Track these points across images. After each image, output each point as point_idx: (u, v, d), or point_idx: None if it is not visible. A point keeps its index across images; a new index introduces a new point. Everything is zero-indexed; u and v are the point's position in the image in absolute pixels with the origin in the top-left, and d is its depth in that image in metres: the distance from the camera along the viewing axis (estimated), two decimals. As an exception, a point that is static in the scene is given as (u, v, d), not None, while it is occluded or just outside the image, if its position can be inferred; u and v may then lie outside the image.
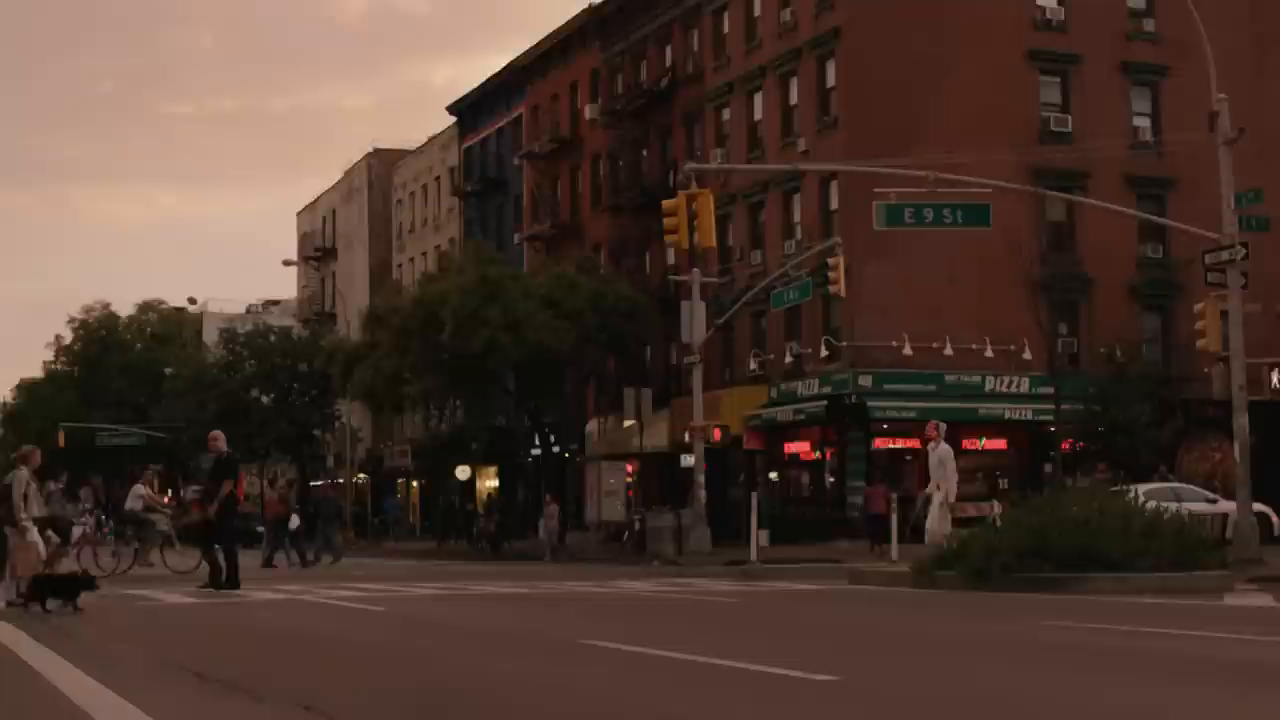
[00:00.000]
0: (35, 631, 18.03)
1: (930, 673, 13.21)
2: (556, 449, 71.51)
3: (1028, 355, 55.89)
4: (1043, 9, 60.19)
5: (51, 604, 22.17)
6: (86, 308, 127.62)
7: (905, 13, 57.63)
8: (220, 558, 28.42)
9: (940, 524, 29.88)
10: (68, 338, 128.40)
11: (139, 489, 40.97)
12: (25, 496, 24.92)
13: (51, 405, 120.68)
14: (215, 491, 29.03)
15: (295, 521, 51.64)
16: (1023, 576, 24.14)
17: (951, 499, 30.35)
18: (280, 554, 47.74)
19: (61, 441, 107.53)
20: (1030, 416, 57.44)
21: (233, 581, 27.94)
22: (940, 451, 30.36)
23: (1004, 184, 44.20)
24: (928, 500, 31.05)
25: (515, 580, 30.33)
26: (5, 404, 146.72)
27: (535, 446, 72.98)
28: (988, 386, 57.51)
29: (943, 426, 31.37)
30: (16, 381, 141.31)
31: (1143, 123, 61.19)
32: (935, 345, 55.68)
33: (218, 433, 30.93)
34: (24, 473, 25.27)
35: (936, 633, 17.44)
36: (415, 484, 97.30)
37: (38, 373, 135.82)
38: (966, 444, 58.46)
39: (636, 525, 53.36)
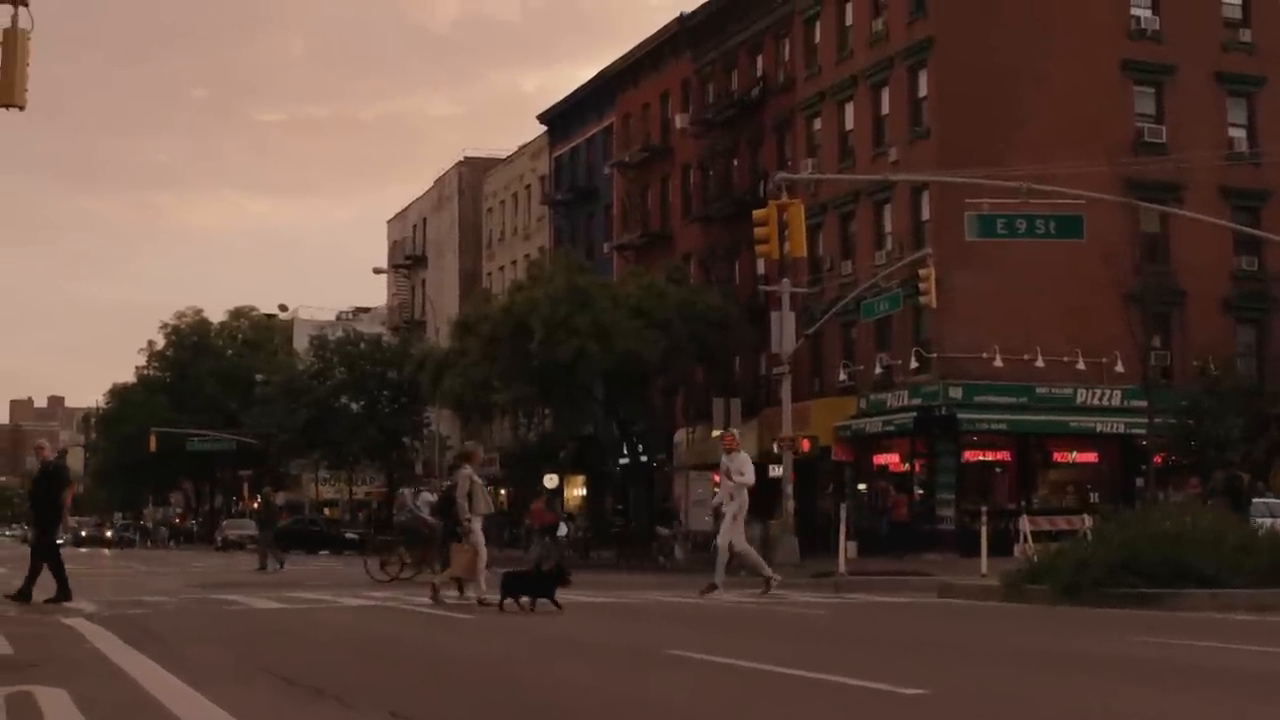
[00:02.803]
0: (126, 635, 18.14)
1: (1020, 688, 13.08)
2: (644, 458, 71.50)
3: (1120, 368, 55.44)
4: (1137, 19, 59.75)
5: (523, 601, 22.58)
6: (179, 313, 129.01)
7: (998, 22, 57.37)
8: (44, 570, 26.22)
9: (726, 537, 29.39)
10: (160, 343, 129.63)
11: (413, 498, 40.52)
12: (470, 495, 25.21)
13: (143, 410, 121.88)
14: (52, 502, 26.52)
15: (564, 529, 51.82)
16: (1114, 591, 23.88)
17: (743, 512, 29.54)
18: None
19: (153, 446, 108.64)
20: (1122, 430, 57.03)
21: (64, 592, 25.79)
22: (739, 460, 29.58)
23: (1097, 195, 43.91)
24: (719, 511, 30.69)
25: (600, 590, 30.29)
26: (99, 408, 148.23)
27: (623, 456, 72.97)
28: (1079, 399, 57.10)
29: (737, 433, 30.92)
30: (109, 386, 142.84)
31: (1238, 134, 60.66)
32: (1026, 357, 55.33)
33: (43, 441, 29.89)
34: (467, 471, 25.61)
35: (1026, 647, 17.27)
36: (503, 492, 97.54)
37: (130, 377, 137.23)
38: (1058, 457, 58.35)
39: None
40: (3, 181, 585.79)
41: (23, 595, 25.54)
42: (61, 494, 26.46)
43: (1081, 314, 55.11)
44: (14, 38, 28.02)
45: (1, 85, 28.13)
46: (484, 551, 25.55)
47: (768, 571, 29.97)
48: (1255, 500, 41.71)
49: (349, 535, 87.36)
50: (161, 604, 26.06)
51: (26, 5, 28.12)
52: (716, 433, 57.88)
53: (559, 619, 21.69)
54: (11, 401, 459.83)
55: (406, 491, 43.21)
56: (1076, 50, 57.61)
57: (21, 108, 28.27)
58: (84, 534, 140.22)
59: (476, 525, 25.47)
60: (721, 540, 29.67)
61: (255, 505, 58.51)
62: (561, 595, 22.93)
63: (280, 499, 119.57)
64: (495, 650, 17.11)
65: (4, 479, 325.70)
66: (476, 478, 25.88)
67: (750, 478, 29.38)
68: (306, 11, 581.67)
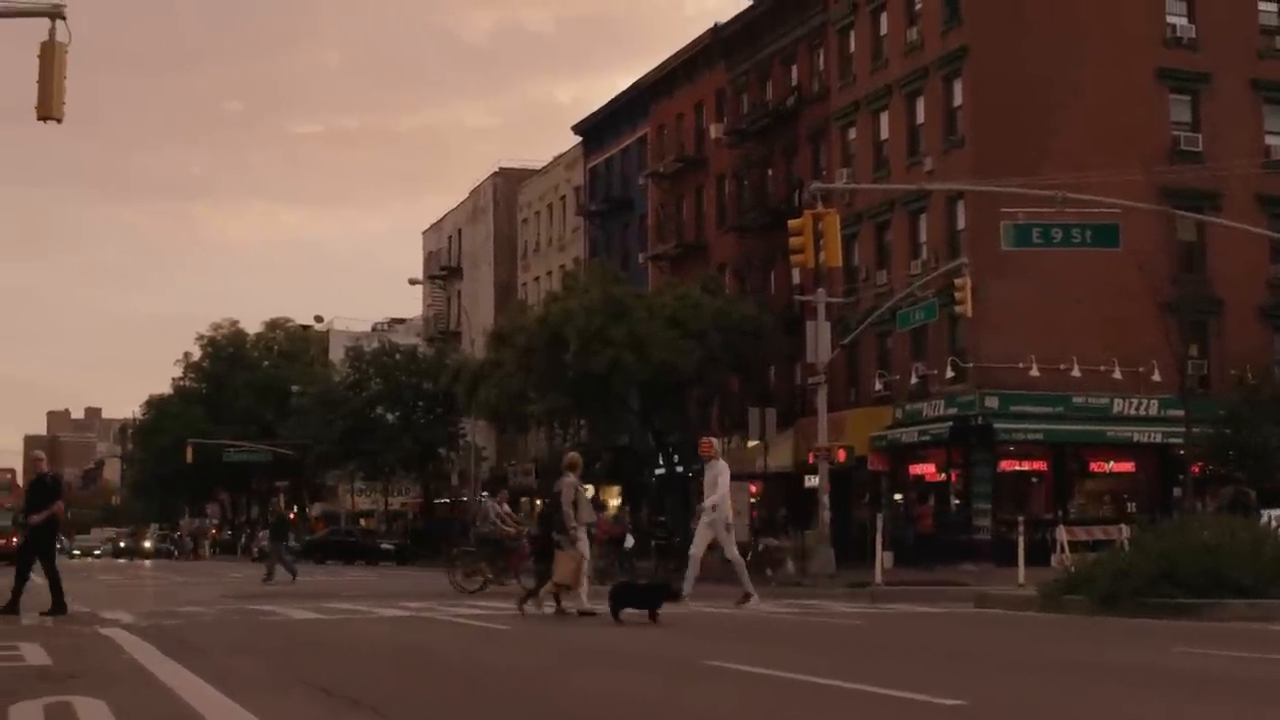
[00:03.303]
0: (163, 646, 18.19)
1: (1058, 699, 13.03)
2: (680, 469, 71.46)
3: (1157, 377, 55.23)
4: (1173, 26, 59.54)
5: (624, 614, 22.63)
6: (215, 325, 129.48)
7: (1033, 31, 57.26)
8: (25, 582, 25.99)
9: (730, 548, 29.28)
10: (196, 354, 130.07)
11: (494, 508, 40.23)
12: (575, 503, 25.21)
13: (180, 421, 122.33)
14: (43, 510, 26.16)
15: (630, 541, 51.82)
16: (1152, 601, 23.80)
17: (729, 518, 29.33)
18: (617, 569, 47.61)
19: (189, 457, 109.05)
20: (1159, 439, 56.85)
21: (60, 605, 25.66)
22: (717, 468, 29.25)
23: (1133, 204, 43.82)
24: (698, 517, 30.52)
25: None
26: (135, 420, 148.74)
27: (659, 466, 72.94)
28: (1116, 408, 56.91)
29: (716, 443, 30.58)
30: (146, 398, 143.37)
31: (1275, 141, 60.38)
32: (1063, 366, 55.17)
33: (40, 453, 29.64)
34: (572, 479, 25.58)
35: (1064, 658, 17.21)
36: (539, 502, 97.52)
37: (167, 389, 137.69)
38: (1094, 466, 58.16)
39: (760, 546, 53.20)
40: (40, 193, 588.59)
41: (56, 608, 25.47)
42: (54, 506, 26.11)
43: (1118, 323, 54.94)
44: (51, 51, 28.18)
45: (40, 98, 28.30)
46: (588, 561, 25.58)
47: (752, 588, 29.61)
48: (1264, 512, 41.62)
49: (385, 546, 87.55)
50: (198, 615, 26.14)
51: (64, 19, 28.29)
52: (752, 443, 57.98)
53: (600, 630, 21.68)
54: (49, 413, 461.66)
55: (489, 502, 42.89)
56: (1112, 58, 57.48)
57: (59, 120, 28.43)
58: (121, 545, 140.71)
59: (582, 534, 25.50)
60: (694, 549, 29.51)
61: (269, 516, 58.51)
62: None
63: (315, 510, 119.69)
64: (532, 661, 17.12)
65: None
66: (580, 486, 25.88)
67: (723, 490, 28.95)
68: (342, 24, 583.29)
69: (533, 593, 27.15)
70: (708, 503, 29.06)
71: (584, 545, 25.47)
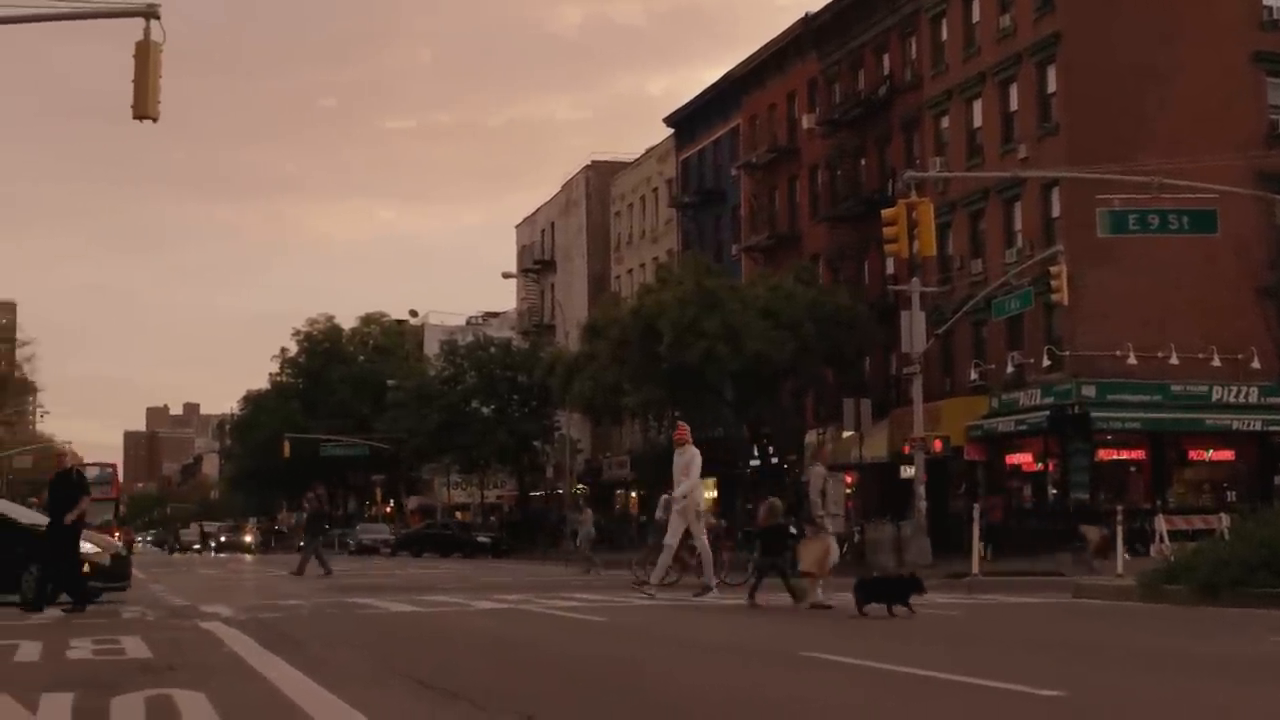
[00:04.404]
0: (262, 639, 18.32)
1: (1158, 690, 12.93)
2: (775, 460, 71.37)
3: (1256, 364, 54.61)
4: (1269, 9, 58.86)
5: (869, 608, 22.26)
6: (311, 320, 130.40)
7: (1126, 16, 56.74)
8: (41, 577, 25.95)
9: (676, 535, 29.02)
10: (293, 350, 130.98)
11: (666, 498, 39.78)
12: (823, 493, 25.15)
13: (277, 416, 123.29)
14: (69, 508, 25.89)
15: (793, 532, 51.68)
16: (1253, 591, 23.54)
17: (701, 507, 29.18)
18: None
19: (286, 452, 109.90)
20: (1259, 427, 56.30)
21: (39, 603, 25.50)
22: (688, 456, 29.16)
23: (1230, 189, 43.39)
24: (668, 506, 30.11)
25: (734, 591, 30.22)
26: (233, 415, 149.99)
27: (754, 457, 72.87)
28: (1215, 396, 56.32)
29: (687, 429, 30.34)
30: (243, 393, 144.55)
31: (1375, 124, 59.60)
32: (1160, 354, 54.64)
33: (65, 448, 29.22)
34: (820, 469, 25.65)
35: (1164, 648, 17.07)
36: (634, 494, 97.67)
37: (264, 384, 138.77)
38: (1193, 455, 57.61)
39: (856, 537, 53.03)
40: (138, 192, 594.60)
41: (78, 603, 25.46)
42: (78, 502, 25.95)
43: (1216, 310, 54.41)
44: (146, 51, 28.44)
45: (135, 98, 28.57)
46: (835, 550, 25.41)
47: (713, 580, 29.48)
48: None
49: (480, 539, 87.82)
50: (296, 608, 26.30)
51: (158, 19, 28.54)
52: (848, 433, 57.81)
53: (698, 621, 21.68)
54: (148, 409, 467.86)
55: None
56: (1206, 42, 56.88)
57: (155, 119, 28.68)
58: (222, 539, 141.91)
59: (828, 523, 25.37)
60: (669, 538, 29.34)
61: (304, 510, 58.50)
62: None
63: (412, 503, 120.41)
64: (628, 652, 17.12)
65: (141, 485, 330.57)
66: (829, 478, 25.71)
67: (695, 477, 29.02)
68: (434, 21, 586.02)
69: (756, 585, 26.33)
70: (679, 491, 28.97)
71: (831, 535, 25.31)
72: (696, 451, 29.48)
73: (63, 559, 25.75)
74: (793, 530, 26.06)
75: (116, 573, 30.21)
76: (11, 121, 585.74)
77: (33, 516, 30.72)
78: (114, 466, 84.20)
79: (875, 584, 23.10)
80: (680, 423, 31.54)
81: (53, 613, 24.60)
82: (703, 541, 29.33)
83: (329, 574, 45.74)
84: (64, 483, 26.22)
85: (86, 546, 28.87)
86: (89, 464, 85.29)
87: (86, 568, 27.80)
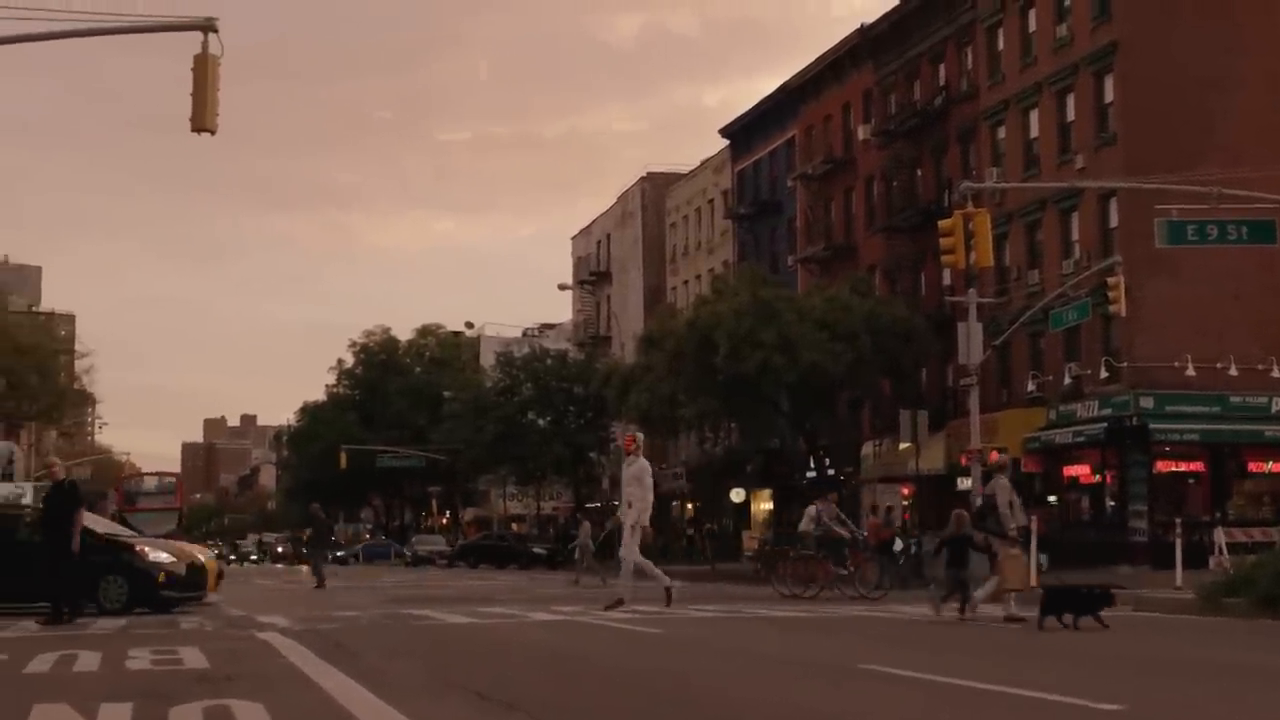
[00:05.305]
0: (319, 650, 18.38)
1: (1218, 704, 12.85)
2: (831, 471, 71.22)
3: (1316, 376, 54.25)
4: (1331, 19, 58.43)
5: (1066, 619, 22.26)
6: (367, 332, 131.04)
7: (1184, 25, 56.44)
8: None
9: (631, 550, 28.73)
10: (350, 361, 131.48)
11: (826, 510, 39.59)
12: (1011, 505, 24.96)
13: (333, 427, 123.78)
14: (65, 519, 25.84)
15: (899, 544, 51.72)
16: (1315, 604, 23.39)
17: (645, 520, 28.75)
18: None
19: (343, 463, 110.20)
20: (1320, 439, 55.85)
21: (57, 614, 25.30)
22: (637, 467, 28.84)
23: (1290, 199, 43.03)
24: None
25: (790, 604, 30.18)
26: (290, 426, 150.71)
27: (810, 469, 72.71)
28: (1275, 407, 55.92)
29: (640, 438, 29.89)
30: (300, 404, 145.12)
31: None
32: (1219, 365, 54.31)
33: (54, 459, 29.34)
34: (1005, 481, 25.37)
35: (1224, 661, 16.97)
36: (690, 506, 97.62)
37: (320, 396, 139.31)
38: (1253, 467, 57.18)
39: (912, 549, 52.84)
40: (196, 202, 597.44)
41: (54, 615, 25.34)
42: (74, 513, 25.96)
43: (1276, 320, 54.10)
44: (204, 64, 28.58)
45: (194, 111, 28.72)
46: (1029, 565, 25.31)
47: (666, 581, 29.20)
48: None
49: (536, 550, 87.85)
50: (353, 619, 26.38)
51: (216, 31, 28.68)
52: (904, 445, 57.65)
53: (755, 634, 21.63)
54: (205, 420, 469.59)
55: (820, 506, 41.38)
56: (1267, 50, 56.54)
57: (213, 132, 28.82)
58: (280, 550, 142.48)
59: (1018, 537, 25.26)
60: (625, 553, 29.11)
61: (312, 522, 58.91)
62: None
63: (468, 514, 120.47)
64: (684, 665, 17.10)
65: (199, 496, 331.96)
66: (1014, 491, 25.44)
67: (648, 490, 28.70)
68: (489, 32, 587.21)
69: (966, 599, 25.75)
70: (635, 508, 28.64)
71: (1019, 547, 25.14)
72: (647, 463, 29.34)
73: (58, 568, 25.83)
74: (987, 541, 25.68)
75: (192, 582, 30.50)
76: (71, 134, 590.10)
77: (110, 526, 30.94)
78: (176, 476, 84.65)
79: (1065, 595, 22.82)
80: (629, 433, 31.28)
81: (108, 622, 24.72)
82: (633, 551, 29.04)
83: (321, 586, 46.56)
84: (58, 494, 26.49)
85: (162, 556, 29.24)
86: (149, 473, 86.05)
87: (161, 577, 28.14)
